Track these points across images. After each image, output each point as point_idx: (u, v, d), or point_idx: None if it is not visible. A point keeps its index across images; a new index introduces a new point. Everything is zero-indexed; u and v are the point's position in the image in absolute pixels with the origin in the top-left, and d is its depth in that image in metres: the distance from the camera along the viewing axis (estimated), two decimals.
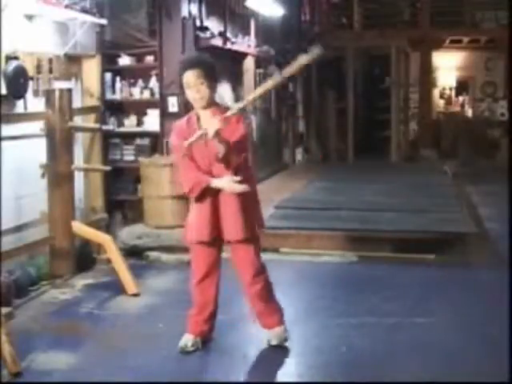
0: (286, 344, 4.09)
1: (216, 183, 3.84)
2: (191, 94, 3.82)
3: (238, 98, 9.35)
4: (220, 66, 7.95)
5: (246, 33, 9.50)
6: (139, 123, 6.91)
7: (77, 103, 6.16)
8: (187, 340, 4.08)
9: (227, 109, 3.80)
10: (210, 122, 3.65)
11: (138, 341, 4.33)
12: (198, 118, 3.90)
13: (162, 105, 6.74)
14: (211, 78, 3.84)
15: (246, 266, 4.01)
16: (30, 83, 5.51)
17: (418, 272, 5.76)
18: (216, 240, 3.98)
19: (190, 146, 3.75)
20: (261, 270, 4.05)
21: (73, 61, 6.35)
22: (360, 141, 13.42)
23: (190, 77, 3.79)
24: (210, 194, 3.89)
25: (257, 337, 4.19)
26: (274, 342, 4.08)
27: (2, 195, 5.05)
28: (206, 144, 3.79)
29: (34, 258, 5.57)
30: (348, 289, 5.35)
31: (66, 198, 5.57)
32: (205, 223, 3.92)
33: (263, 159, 10.41)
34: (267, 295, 4.08)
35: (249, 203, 3.95)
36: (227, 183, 3.82)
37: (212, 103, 3.87)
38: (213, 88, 3.85)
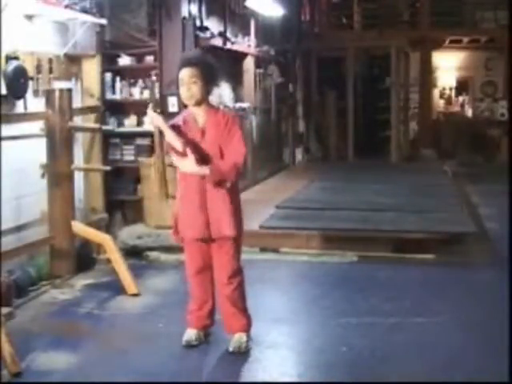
0: (245, 352, 4.00)
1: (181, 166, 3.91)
2: (182, 92, 3.91)
3: (237, 98, 9.36)
4: (220, 65, 7.96)
5: (246, 33, 9.51)
6: (139, 123, 6.91)
7: (77, 103, 6.16)
8: (191, 334, 4.10)
9: (218, 109, 4.07)
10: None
11: (138, 341, 4.33)
12: (193, 116, 3.98)
13: (162, 105, 6.73)
14: (205, 78, 3.89)
15: (223, 265, 4.02)
16: (30, 83, 5.50)
17: (417, 272, 5.76)
18: (209, 236, 3.98)
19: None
20: (237, 272, 4.06)
21: (73, 61, 6.35)
22: (360, 141, 13.41)
23: (184, 74, 3.87)
24: (196, 191, 3.91)
25: (257, 337, 4.18)
26: (230, 349, 4.01)
27: (2, 195, 5.05)
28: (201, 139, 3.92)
29: (33, 258, 5.57)
30: (348, 289, 5.35)
31: (65, 198, 5.57)
32: (197, 220, 3.93)
33: (263, 159, 10.41)
34: (238, 299, 4.07)
35: (236, 203, 4.00)
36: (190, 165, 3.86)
37: (203, 102, 3.93)
38: (206, 88, 3.91)
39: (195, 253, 4.06)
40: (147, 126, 6.80)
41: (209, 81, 3.93)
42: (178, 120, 4.01)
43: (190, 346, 4.08)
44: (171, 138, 3.85)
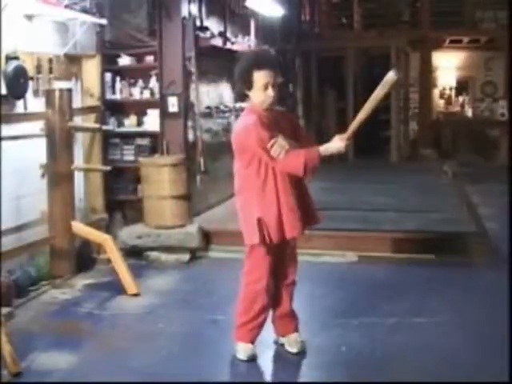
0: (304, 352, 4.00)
1: (326, 148, 3.79)
2: (267, 94, 3.69)
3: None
4: (220, 65, 7.98)
5: (246, 33, 9.50)
6: (139, 123, 6.91)
7: (77, 103, 6.16)
8: (249, 349, 3.93)
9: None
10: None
11: (138, 341, 4.33)
12: (266, 116, 3.77)
13: (162, 105, 6.74)
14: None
15: (292, 263, 3.98)
16: (30, 83, 5.50)
17: (418, 272, 5.76)
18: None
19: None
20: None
21: (73, 61, 6.34)
22: (360, 141, 13.37)
23: (270, 76, 3.67)
24: (285, 182, 3.75)
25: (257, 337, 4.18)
26: (295, 350, 3.98)
27: (2, 195, 5.05)
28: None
29: (33, 258, 5.57)
30: (348, 289, 5.35)
31: (66, 198, 5.57)
32: (295, 215, 3.75)
33: None
34: (293, 299, 4.07)
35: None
36: (337, 143, 3.81)
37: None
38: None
39: (270, 254, 3.82)
40: (147, 125, 6.84)
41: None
42: (256, 120, 3.71)
43: (254, 359, 3.92)
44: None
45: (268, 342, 4.12)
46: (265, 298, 3.86)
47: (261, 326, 3.94)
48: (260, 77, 3.66)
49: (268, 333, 4.10)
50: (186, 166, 6.55)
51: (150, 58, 6.84)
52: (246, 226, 3.77)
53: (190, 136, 7.04)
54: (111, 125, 6.72)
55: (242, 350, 3.92)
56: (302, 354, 4.01)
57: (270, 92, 3.68)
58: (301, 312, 4.21)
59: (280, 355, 4.04)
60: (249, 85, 3.69)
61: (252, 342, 3.94)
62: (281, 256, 3.88)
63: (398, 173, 11.34)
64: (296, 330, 4.07)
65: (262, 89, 3.67)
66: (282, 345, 4.06)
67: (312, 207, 3.93)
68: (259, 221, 3.70)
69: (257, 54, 3.99)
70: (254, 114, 3.72)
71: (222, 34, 8.00)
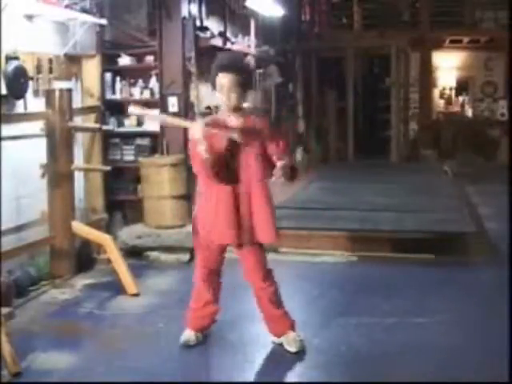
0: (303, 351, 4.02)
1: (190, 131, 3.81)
2: (226, 96, 3.82)
3: None
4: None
5: (246, 33, 9.50)
6: (139, 123, 6.91)
7: (77, 103, 6.16)
8: (189, 335, 4.12)
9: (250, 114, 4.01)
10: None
11: (138, 341, 4.33)
12: (223, 119, 3.92)
13: (162, 105, 6.74)
14: (243, 85, 3.84)
15: (257, 268, 3.98)
16: (30, 83, 5.50)
17: (417, 272, 5.77)
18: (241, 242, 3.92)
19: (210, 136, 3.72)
20: (269, 273, 4.05)
21: (73, 61, 6.35)
22: (360, 141, 13.40)
23: (228, 79, 3.78)
24: (227, 192, 3.81)
25: (257, 336, 4.19)
26: (293, 349, 4.00)
27: (2, 195, 5.06)
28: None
29: (34, 258, 5.58)
30: (348, 289, 5.35)
31: (65, 198, 5.57)
32: (228, 224, 3.83)
33: None
34: (279, 299, 4.08)
35: (271, 204, 3.94)
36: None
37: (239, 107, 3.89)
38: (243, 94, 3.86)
39: (212, 255, 4.04)
40: (147, 125, 6.84)
41: (246, 86, 3.88)
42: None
43: (187, 346, 4.09)
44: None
45: (265, 341, 4.12)
46: (204, 291, 4.09)
47: (203, 317, 4.14)
48: (219, 79, 3.82)
49: (265, 332, 4.11)
50: (185, 166, 6.55)
51: (149, 58, 6.84)
52: None
53: (190, 136, 7.02)
54: (111, 125, 6.72)
55: (183, 335, 4.14)
56: (301, 353, 4.01)
57: (225, 95, 3.81)
58: (300, 312, 4.21)
59: (278, 355, 4.04)
60: (214, 86, 3.88)
61: (196, 330, 4.14)
62: (244, 263, 4.00)
63: (398, 173, 11.34)
64: (292, 328, 4.08)
65: (219, 91, 3.83)
66: (281, 344, 4.07)
67: (264, 224, 3.88)
68: (194, 218, 4.04)
69: (224, 56, 4.05)
70: (211, 117, 4.03)
71: (222, 34, 8.00)
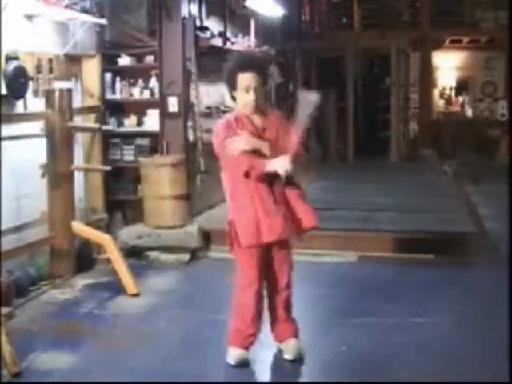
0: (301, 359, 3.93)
1: (271, 164, 3.63)
2: (249, 96, 3.71)
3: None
4: (220, 65, 7.94)
5: (246, 33, 9.51)
6: (139, 123, 6.92)
7: (77, 103, 6.16)
8: (241, 355, 3.88)
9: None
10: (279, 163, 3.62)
11: (138, 341, 4.33)
12: (247, 118, 3.79)
13: (162, 105, 6.74)
14: (263, 84, 3.78)
15: (284, 270, 3.89)
16: (30, 83, 5.50)
17: (418, 272, 5.76)
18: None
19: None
20: (291, 279, 3.98)
21: (73, 61, 6.35)
22: (360, 141, 13.40)
23: (251, 79, 3.69)
24: (263, 188, 3.73)
25: (258, 336, 4.18)
26: (290, 357, 3.91)
27: (2, 195, 5.05)
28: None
29: (33, 258, 5.57)
30: (348, 289, 5.35)
31: (66, 198, 5.57)
32: (274, 218, 3.71)
33: None
34: (290, 305, 4.02)
35: (303, 190, 3.92)
36: (282, 162, 3.63)
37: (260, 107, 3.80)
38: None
39: (257, 259, 3.78)
40: (147, 125, 6.84)
41: (264, 86, 3.81)
42: (230, 121, 3.80)
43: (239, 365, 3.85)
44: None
45: (268, 341, 4.12)
46: (256, 305, 3.83)
47: (254, 334, 3.90)
48: (242, 79, 3.70)
49: (267, 332, 4.10)
50: (185, 166, 6.56)
51: (150, 58, 6.84)
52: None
53: (190, 136, 7.04)
54: (111, 125, 6.72)
55: (232, 355, 3.88)
56: (298, 361, 3.93)
57: (251, 95, 3.70)
58: (301, 312, 4.21)
59: (279, 355, 4.04)
60: (233, 86, 3.76)
61: (245, 348, 3.89)
62: (271, 262, 3.86)
63: (398, 173, 11.34)
64: (294, 335, 3.99)
65: (243, 91, 3.71)
66: (281, 351, 4.03)
67: (303, 211, 3.85)
68: (229, 224, 3.77)
69: (242, 57, 4.01)
70: (231, 116, 3.81)
71: (222, 34, 8.00)
